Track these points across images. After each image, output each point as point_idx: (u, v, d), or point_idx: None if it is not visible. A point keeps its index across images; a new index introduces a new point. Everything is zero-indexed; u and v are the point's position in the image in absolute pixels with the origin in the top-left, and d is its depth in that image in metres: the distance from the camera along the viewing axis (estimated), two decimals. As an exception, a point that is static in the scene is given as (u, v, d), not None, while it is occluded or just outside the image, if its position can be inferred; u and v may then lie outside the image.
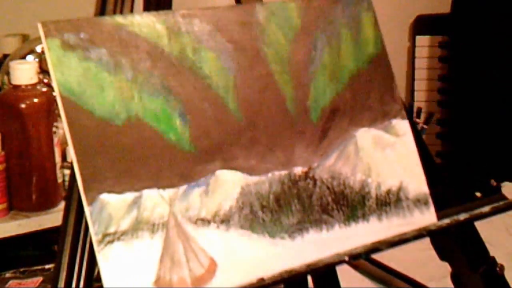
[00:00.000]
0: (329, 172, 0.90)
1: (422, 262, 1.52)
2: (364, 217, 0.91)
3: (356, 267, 1.60)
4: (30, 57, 1.60)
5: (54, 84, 0.75)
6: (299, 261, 0.85)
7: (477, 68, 2.06)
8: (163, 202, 0.79)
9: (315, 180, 0.88)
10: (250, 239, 0.83)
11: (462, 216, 0.98)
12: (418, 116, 1.98)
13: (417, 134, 1.09)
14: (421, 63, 2.25)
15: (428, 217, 0.94)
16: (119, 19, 0.80)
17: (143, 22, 0.81)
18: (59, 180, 1.49)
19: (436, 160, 1.88)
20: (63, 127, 0.77)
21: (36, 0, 1.83)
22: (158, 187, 0.79)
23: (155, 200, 0.78)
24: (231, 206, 0.83)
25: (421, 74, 2.24)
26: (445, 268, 1.20)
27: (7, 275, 1.54)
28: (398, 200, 0.93)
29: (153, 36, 0.82)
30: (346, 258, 0.89)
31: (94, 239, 0.74)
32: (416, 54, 2.24)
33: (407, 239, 0.94)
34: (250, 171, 0.85)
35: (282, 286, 1.17)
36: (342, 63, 0.93)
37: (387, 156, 0.94)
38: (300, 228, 0.86)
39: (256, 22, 0.88)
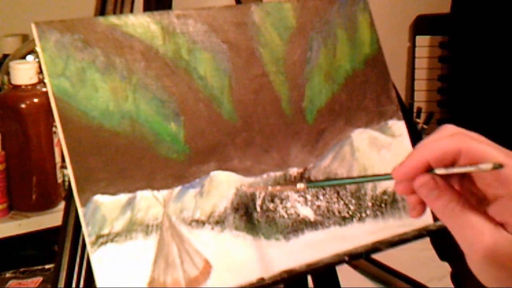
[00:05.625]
0: (324, 173, 0.89)
1: (422, 262, 1.52)
2: (360, 218, 0.90)
3: (356, 267, 1.59)
4: (30, 57, 1.60)
5: (48, 85, 0.75)
6: (294, 262, 0.84)
7: (477, 68, 2.05)
8: (157, 203, 0.79)
9: (310, 181, 0.88)
10: (245, 240, 0.82)
11: (462, 216, 0.98)
12: (418, 116, 1.97)
13: (417, 134, 1.09)
14: (421, 63, 2.24)
15: (424, 218, 0.93)
16: (113, 19, 0.80)
17: (138, 23, 0.81)
18: (59, 180, 1.49)
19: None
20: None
21: (36, 0, 1.83)
22: (152, 188, 0.79)
23: (149, 202, 0.78)
24: (226, 208, 0.82)
25: (421, 74, 2.24)
26: (445, 268, 1.19)
27: (7, 275, 1.54)
28: (394, 201, 0.93)
29: (148, 37, 0.81)
30: (346, 258, 0.89)
31: (88, 240, 0.74)
32: (416, 54, 2.24)
33: (407, 239, 0.93)
34: (245, 172, 0.84)
35: (282, 286, 1.17)
36: (337, 63, 0.93)
37: (383, 157, 0.94)
38: (295, 229, 0.86)
39: (251, 23, 0.88)
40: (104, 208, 0.76)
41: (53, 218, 1.45)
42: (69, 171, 0.75)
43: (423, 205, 0.69)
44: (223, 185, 0.83)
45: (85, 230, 0.74)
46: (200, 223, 0.81)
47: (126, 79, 0.79)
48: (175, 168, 0.80)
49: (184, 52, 0.83)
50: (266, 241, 0.84)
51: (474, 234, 0.62)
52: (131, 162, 0.78)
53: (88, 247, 0.74)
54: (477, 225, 0.63)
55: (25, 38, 1.72)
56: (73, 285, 0.87)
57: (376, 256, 1.55)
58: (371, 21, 0.96)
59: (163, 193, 0.79)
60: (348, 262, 0.91)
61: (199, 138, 0.82)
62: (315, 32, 0.92)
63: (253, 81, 0.87)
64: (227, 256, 0.81)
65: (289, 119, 0.88)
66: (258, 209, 0.84)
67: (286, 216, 0.86)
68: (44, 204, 1.48)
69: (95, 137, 0.77)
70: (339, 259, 0.88)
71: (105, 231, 0.75)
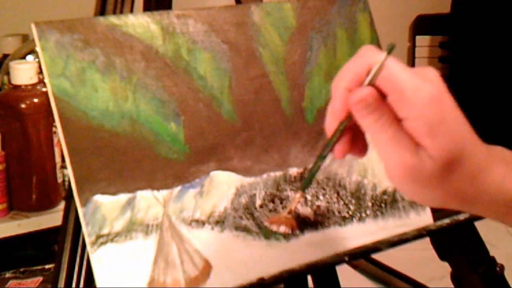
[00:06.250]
0: (324, 173, 0.89)
1: (422, 262, 1.52)
2: (360, 218, 0.90)
3: (356, 267, 1.59)
4: (30, 57, 1.60)
5: (48, 85, 0.75)
6: (294, 262, 0.84)
7: (477, 68, 2.06)
8: (157, 203, 0.79)
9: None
10: (245, 240, 0.82)
11: (462, 216, 0.98)
12: (418, 116, 1.97)
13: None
14: (421, 63, 2.24)
15: (424, 218, 0.94)
16: (113, 19, 0.80)
17: (137, 23, 0.81)
18: (59, 180, 1.49)
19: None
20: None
21: (36, 0, 1.83)
22: (152, 188, 0.79)
23: (149, 201, 0.78)
24: (226, 207, 0.82)
25: (421, 74, 2.24)
26: (445, 268, 1.19)
27: (7, 275, 1.54)
28: (394, 201, 0.93)
29: (148, 37, 0.81)
30: (346, 258, 0.88)
31: (87, 240, 0.74)
32: (416, 54, 2.24)
33: (407, 239, 0.93)
34: (245, 172, 0.84)
35: (282, 286, 1.17)
36: (337, 63, 0.93)
37: (383, 156, 0.93)
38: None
39: (251, 23, 0.88)
40: (104, 208, 0.76)
41: (53, 218, 1.45)
42: (69, 171, 0.75)
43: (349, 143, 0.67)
44: (223, 185, 0.83)
45: (85, 230, 0.74)
46: (200, 223, 0.81)
47: (126, 79, 0.79)
48: (175, 168, 0.80)
49: (184, 52, 0.83)
50: (266, 241, 0.83)
51: (397, 151, 0.62)
52: (131, 162, 0.78)
53: (88, 247, 0.74)
54: (401, 143, 0.62)
55: (25, 38, 1.72)
56: (73, 285, 0.87)
57: (376, 256, 1.56)
58: (371, 21, 0.96)
59: (163, 193, 0.79)
60: (348, 262, 0.91)
61: (199, 138, 0.82)
62: (315, 32, 0.92)
63: (253, 81, 0.86)
64: (227, 256, 0.80)
65: (289, 119, 0.88)
66: (258, 209, 0.84)
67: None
68: (44, 204, 1.48)
69: (95, 137, 0.77)
70: (339, 259, 0.88)
71: (105, 231, 0.75)
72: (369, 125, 0.64)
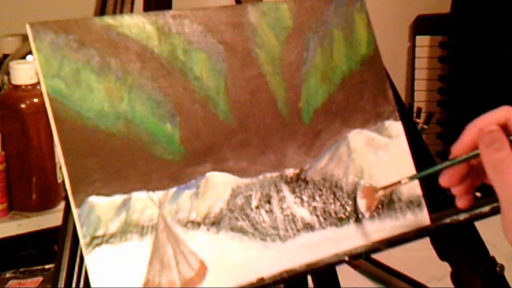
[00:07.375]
0: (321, 173, 0.89)
1: (422, 262, 1.51)
2: (357, 219, 0.90)
3: (356, 267, 1.59)
4: (30, 57, 1.60)
5: (42, 85, 0.75)
6: (290, 263, 0.84)
7: (477, 68, 2.06)
8: (153, 204, 0.78)
9: (307, 182, 0.88)
10: (241, 241, 0.82)
11: (462, 216, 0.97)
12: (418, 116, 1.97)
13: (417, 134, 1.09)
14: (421, 63, 2.24)
15: (421, 218, 0.94)
16: (108, 20, 0.80)
17: (133, 23, 0.81)
18: (59, 180, 1.49)
19: (436, 160, 1.88)
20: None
21: (36, 0, 1.83)
22: (148, 190, 0.78)
23: (144, 203, 0.78)
24: (222, 209, 0.82)
25: (421, 74, 2.24)
26: (445, 268, 1.19)
27: (7, 275, 1.54)
28: (391, 201, 0.92)
29: (143, 37, 0.81)
30: (346, 258, 0.88)
31: (82, 242, 0.74)
32: (416, 54, 2.24)
33: (407, 239, 0.93)
34: (241, 173, 0.84)
35: (282, 286, 1.17)
36: (334, 64, 0.93)
37: (380, 158, 0.93)
38: (291, 230, 0.86)
39: (248, 23, 0.87)
40: (99, 209, 0.76)
41: (53, 218, 1.46)
42: (64, 172, 0.75)
43: (469, 195, 0.74)
44: (219, 186, 0.82)
45: (79, 231, 0.74)
46: (196, 224, 0.80)
47: (121, 79, 0.79)
48: (171, 169, 0.80)
49: (179, 52, 0.83)
50: (262, 242, 0.83)
51: None
52: (126, 163, 0.78)
53: (83, 249, 0.74)
54: None
55: (25, 38, 1.72)
56: (73, 285, 0.87)
57: (376, 256, 1.55)
58: (368, 21, 0.96)
59: (158, 194, 0.79)
60: (348, 262, 0.90)
61: (195, 139, 0.82)
62: (312, 32, 0.92)
63: (249, 81, 0.86)
64: (223, 257, 0.80)
65: (286, 120, 0.88)
66: (254, 210, 0.84)
67: (282, 217, 0.85)
68: (44, 204, 1.48)
69: (90, 138, 0.76)
70: (339, 259, 0.88)
71: (100, 232, 0.75)
72: (493, 162, 0.67)
